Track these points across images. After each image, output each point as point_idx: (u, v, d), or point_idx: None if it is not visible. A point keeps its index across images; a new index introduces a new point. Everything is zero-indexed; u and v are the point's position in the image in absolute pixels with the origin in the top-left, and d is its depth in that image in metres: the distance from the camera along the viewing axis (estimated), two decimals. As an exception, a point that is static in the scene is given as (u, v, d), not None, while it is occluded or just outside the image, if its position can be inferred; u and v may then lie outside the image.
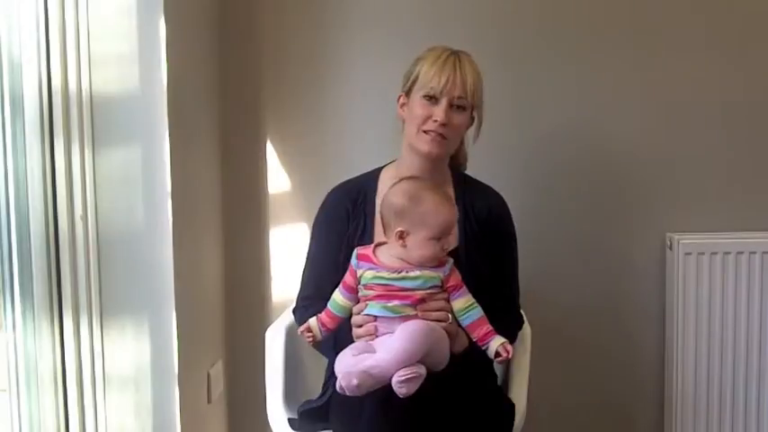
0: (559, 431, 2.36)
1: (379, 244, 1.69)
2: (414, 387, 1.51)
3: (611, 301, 2.36)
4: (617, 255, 2.35)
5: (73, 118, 1.79)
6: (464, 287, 1.67)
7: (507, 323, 1.82)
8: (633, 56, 2.30)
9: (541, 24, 2.30)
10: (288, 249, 2.31)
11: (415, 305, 1.62)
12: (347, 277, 1.68)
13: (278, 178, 2.32)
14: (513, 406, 1.80)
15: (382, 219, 1.69)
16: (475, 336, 1.65)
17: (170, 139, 1.85)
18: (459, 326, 1.67)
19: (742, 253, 2.25)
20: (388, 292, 1.63)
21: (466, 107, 1.79)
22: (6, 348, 1.82)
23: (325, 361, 1.85)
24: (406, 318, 1.61)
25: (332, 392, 1.66)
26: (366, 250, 1.68)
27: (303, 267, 1.91)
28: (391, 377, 1.51)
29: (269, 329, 1.95)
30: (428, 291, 1.63)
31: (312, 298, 1.83)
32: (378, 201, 1.85)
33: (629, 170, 2.34)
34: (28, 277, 1.81)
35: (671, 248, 2.29)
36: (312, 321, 1.69)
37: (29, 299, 1.81)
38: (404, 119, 1.84)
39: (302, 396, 1.87)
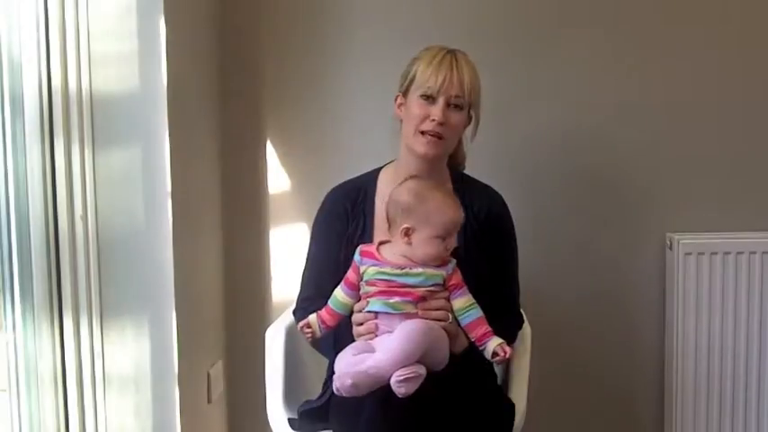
0: (559, 431, 2.36)
1: (383, 242, 1.69)
2: (413, 387, 1.51)
3: (611, 301, 2.36)
4: (617, 255, 2.35)
5: (73, 118, 1.79)
6: (465, 287, 1.67)
7: (507, 323, 1.82)
8: (633, 56, 2.30)
9: (542, 25, 2.30)
10: (288, 249, 2.31)
11: (415, 302, 1.62)
12: (349, 274, 1.69)
13: (278, 178, 2.32)
14: (513, 406, 1.80)
15: (388, 216, 1.69)
16: (473, 335, 1.65)
17: (170, 139, 1.85)
18: (459, 326, 1.67)
19: (742, 253, 2.25)
20: (389, 288, 1.63)
21: (463, 106, 1.79)
22: (6, 348, 1.82)
23: (325, 361, 1.85)
24: (407, 315, 1.61)
25: (332, 392, 1.66)
26: (370, 247, 1.69)
27: (303, 268, 1.91)
28: (390, 377, 1.51)
29: (269, 329, 1.95)
30: (429, 288, 1.63)
31: (312, 298, 1.83)
32: (377, 201, 1.85)
33: (629, 170, 2.34)
34: (28, 277, 1.81)
35: (671, 248, 2.29)
36: (312, 318, 1.70)
37: (29, 299, 1.81)
38: (401, 119, 1.84)
39: (302, 396, 1.87)
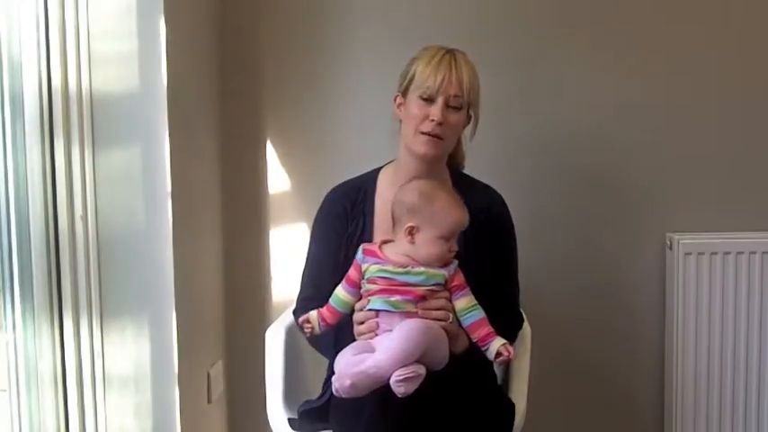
0: (559, 431, 2.36)
1: (386, 241, 1.69)
2: (412, 386, 1.51)
3: (611, 301, 2.36)
4: (617, 255, 2.35)
5: (73, 118, 1.79)
6: (467, 288, 1.67)
7: (507, 322, 1.82)
8: (634, 56, 2.30)
9: (542, 25, 2.30)
10: (288, 249, 2.31)
11: (416, 302, 1.62)
12: (351, 272, 1.69)
13: (278, 178, 2.32)
14: (513, 406, 1.80)
15: (393, 214, 1.69)
16: (475, 336, 1.65)
17: (170, 139, 1.85)
18: (461, 326, 1.67)
19: (742, 253, 2.25)
20: (390, 287, 1.63)
21: (462, 105, 1.79)
22: (6, 348, 1.82)
23: (325, 361, 1.85)
24: (407, 314, 1.61)
25: (332, 392, 1.66)
26: (372, 246, 1.69)
27: (303, 268, 1.91)
28: (389, 377, 1.51)
29: (269, 329, 1.95)
30: (430, 288, 1.64)
31: (312, 298, 1.83)
32: (377, 201, 1.85)
33: (629, 170, 2.34)
34: (28, 277, 1.81)
35: (671, 248, 2.29)
36: (313, 314, 1.70)
37: (29, 299, 1.81)
38: (400, 119, 1.84)
39: (302, 396, 1.87)
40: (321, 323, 1.69)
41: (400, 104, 1.84)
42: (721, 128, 2.32)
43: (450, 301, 1.66)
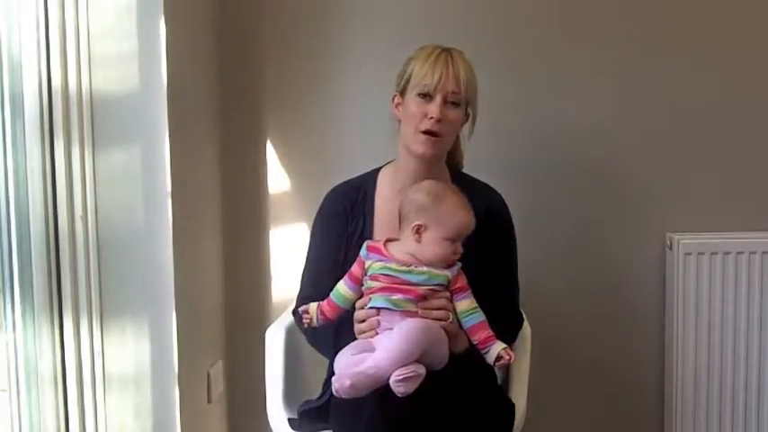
0: (559, 431, 2.36)
1: (391, 239, 1.70)
2: (412, 386, 1.51)
3: (611, 301, 2.36)
4: (617, 255, 2.35)
5: (73, 118, 1.79)
6: (469, 291, 1.68)
7: (507, 322, 1.83)
8: (633, 56, 2.29)
9: (542, 24, 2.30)
10: (288, 249, 2.31)
11: (416, 301, 1.62)
12: (354, 268, 1.69)
13: (278, 178, 2.32)
14: (513, 406, 1.80)
15: (401, 212, 1.70)
16: (476, 339, 1.65)
17: (170, 139, 1.85)
18: (461, 327, 1.67)
19: (742, 253, 2.25)
20: (392, 285, 1.63)
21: (460, 102, 1.79)
22: (6, 348, 1.82)
23: (325, 361, 1.85)
24: (408, 313, 1.61)
25: (332, 392, 1.66)
26: (377, 243, 1.69)
27: (303, 268, 1.91)
28: (389, 377, 1.51)
29: (269, 329, 1.95)
30: (431, 288, 1.64)
31: (311, 298, 1.82)
32: (377, 200, 1.85)
33: (630, 170, 2.34)
34: (28, 277, 1.81)
35: (671, 248, 2.29)
36: (312, 306, 1.70)
37: (29, 299, 1.81)
38: (399, 119, 1.84)
39: (302, 396, 1.87)
40: (320, 316, 1.69)
41: (398, 104, 1.84)
42: (721, 128, 2.32)
43: (452, 301, 1.66)
